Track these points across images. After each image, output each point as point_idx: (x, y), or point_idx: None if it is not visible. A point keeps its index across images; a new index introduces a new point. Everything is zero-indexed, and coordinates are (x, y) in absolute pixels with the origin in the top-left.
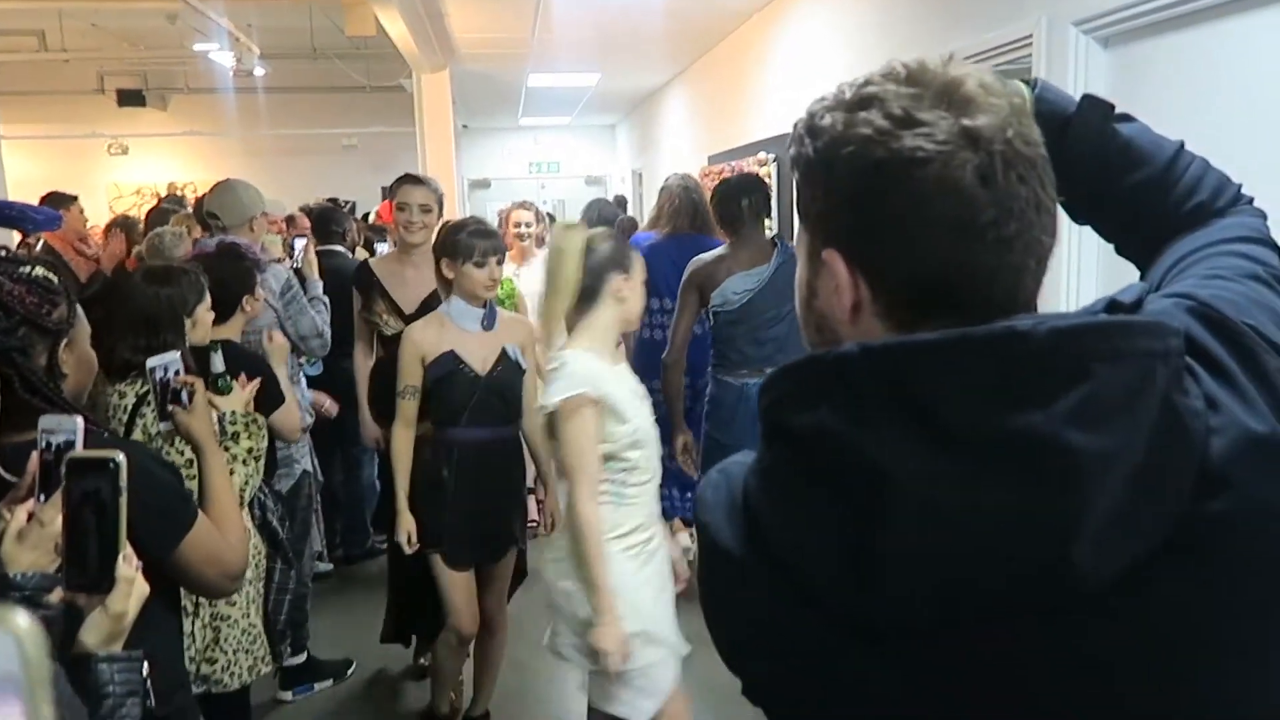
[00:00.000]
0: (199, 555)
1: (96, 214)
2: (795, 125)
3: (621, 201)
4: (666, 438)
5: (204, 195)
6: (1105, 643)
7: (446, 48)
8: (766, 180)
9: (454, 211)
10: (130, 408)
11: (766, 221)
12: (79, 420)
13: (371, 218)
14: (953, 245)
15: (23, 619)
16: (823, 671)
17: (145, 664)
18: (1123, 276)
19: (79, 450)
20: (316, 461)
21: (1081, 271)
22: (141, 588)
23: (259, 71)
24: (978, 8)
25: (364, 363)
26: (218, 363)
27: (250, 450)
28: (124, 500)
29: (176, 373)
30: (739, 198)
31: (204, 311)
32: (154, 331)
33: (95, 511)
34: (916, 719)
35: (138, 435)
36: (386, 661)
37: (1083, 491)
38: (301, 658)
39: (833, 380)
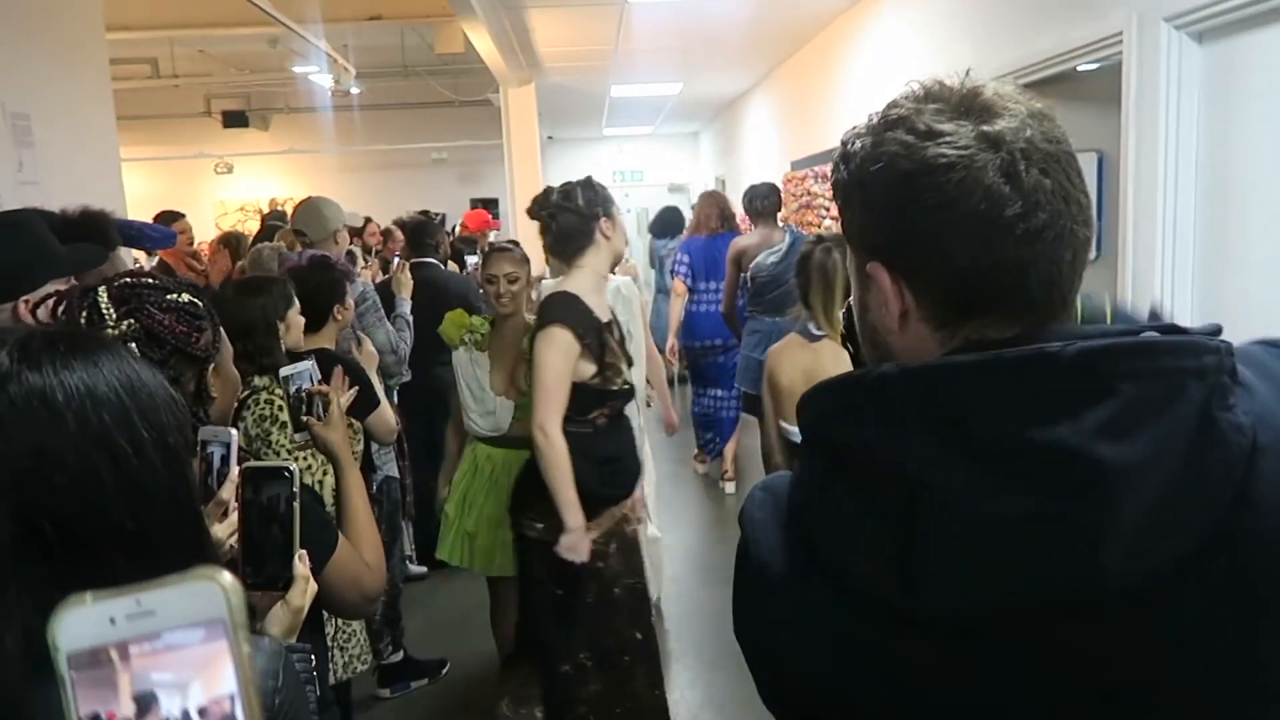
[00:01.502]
0: (341, 579)
1: (204, 230)
2: (834, 155)
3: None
4: (729, 382)
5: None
6: (1133, 642)
7: (532, 62)
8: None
9: None
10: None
11: (779, 215)
12: (233, 431)
13: (457, 229)
14: (983, 241)
15: (227, 576)
16: (873, 671)
17: (314, 657)
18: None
19: (233, 457)
20: (406, 464)
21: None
22: (314, 586)
23: (354, 90)
24: (1064, 5)
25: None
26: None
27: (354, 459)
28: (298, 505)
29: (311, 381)
30: (756, 199)
31: (295, 316)
32: (250, 338)
33: (271, 516)
34: (961, 711)
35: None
36: (480, 660)
37: (1112, 500)
38: (398, 656)
39: (874, 398)
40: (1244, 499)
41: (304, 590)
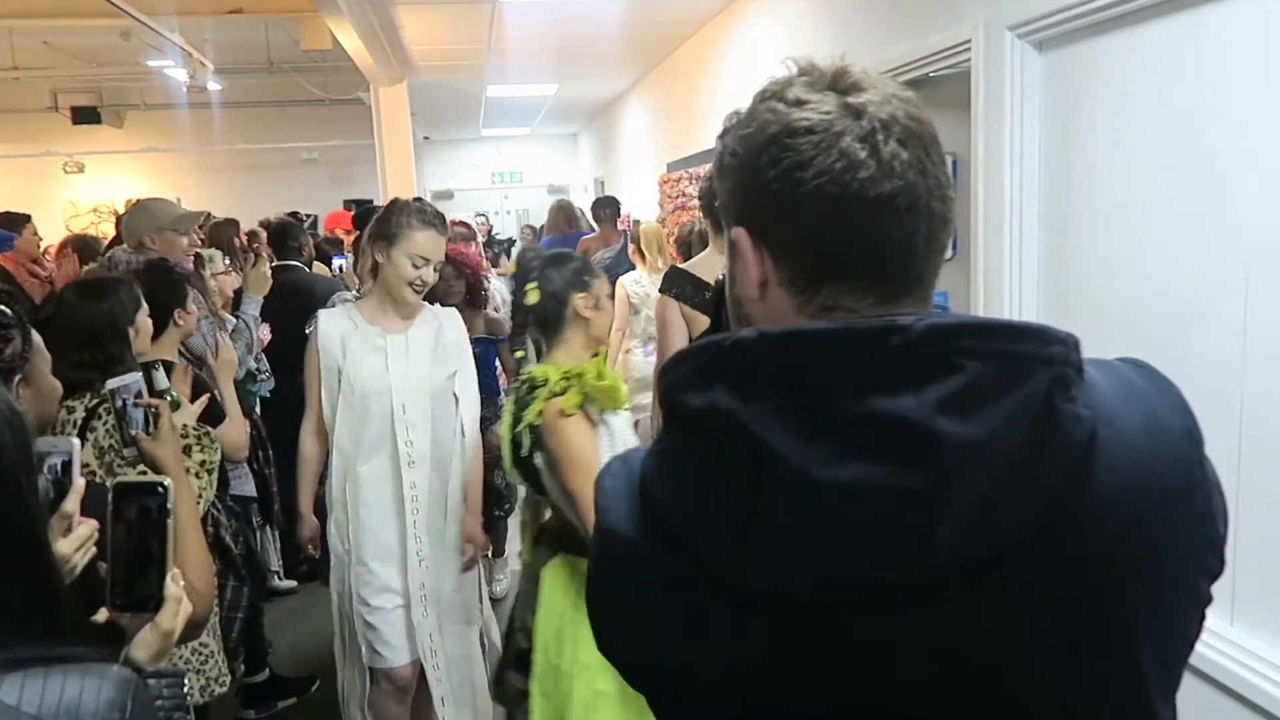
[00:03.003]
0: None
1: (53, 233)
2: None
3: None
4: None
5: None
6: (964, 624)
7: (403, 60)
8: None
9: None
10: (80, 422)
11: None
12: (75, 441)
13: (321, 230)
14: (835, 201)
15: None
16: (705, 639)
17: (186, 681)
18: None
19: (76, 467)
20: (272, 472)
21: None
22: (187, 606)
23: (214, 86)
24: (919, 14)
25: None
26: (161, 379)
27: (203, 463)
28: (172, 521)
29: (139, 394)
30: (600, 209)
31: (144, 319)
32: (98, 345)
33: (142, 533)
34: (788, 684)
35: (89, 451)
36: None
37: (949, 475)
38: (263, 675)
39: (728, 362)
40: (1080, 489)
41: (175, 612)
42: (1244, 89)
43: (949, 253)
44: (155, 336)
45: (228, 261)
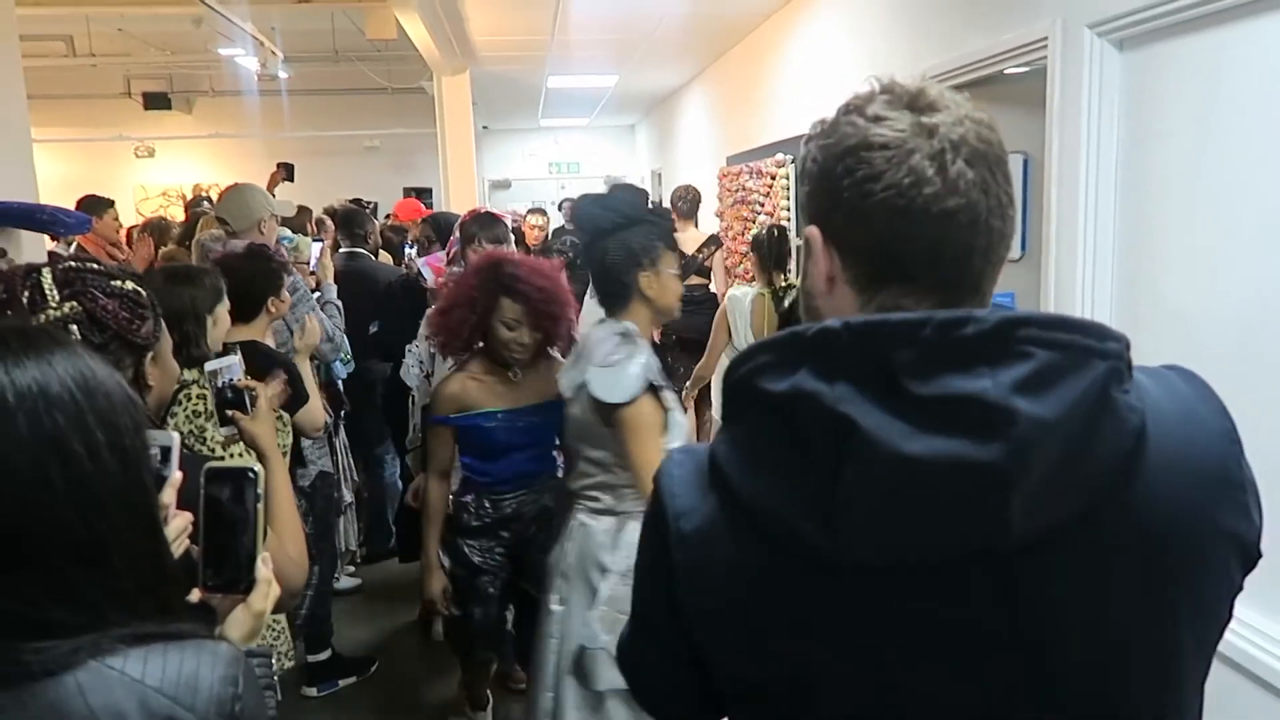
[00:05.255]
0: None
1: (124, 216)
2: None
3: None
4: None
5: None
6: (1030, 595)
7: (466, 50)
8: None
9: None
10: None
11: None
12: (175, 435)
13: (389, 218)
14: (900, 214)
15: None
16: (782, 611)
17: (274, 660)
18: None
19: (175, 459)
20: (347, 461)
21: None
22: (276, 589)
23: (282, 74)
24: (993, 9)
25: None
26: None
27: (277, 446)
28: (262, 506)
29: (235, 377)
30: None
31: (222, 311)
32: (178, 329)
33: (233, 517)
34: (865, 654)
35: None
36: (409, 657)
37: (1022, 450)
38: (326, 654)
39: (813, 349)
40: (1130, 474)
41: (266, 594)
42: None
43: (1016, 252)
44: (248, 320)
45: (318, 248)
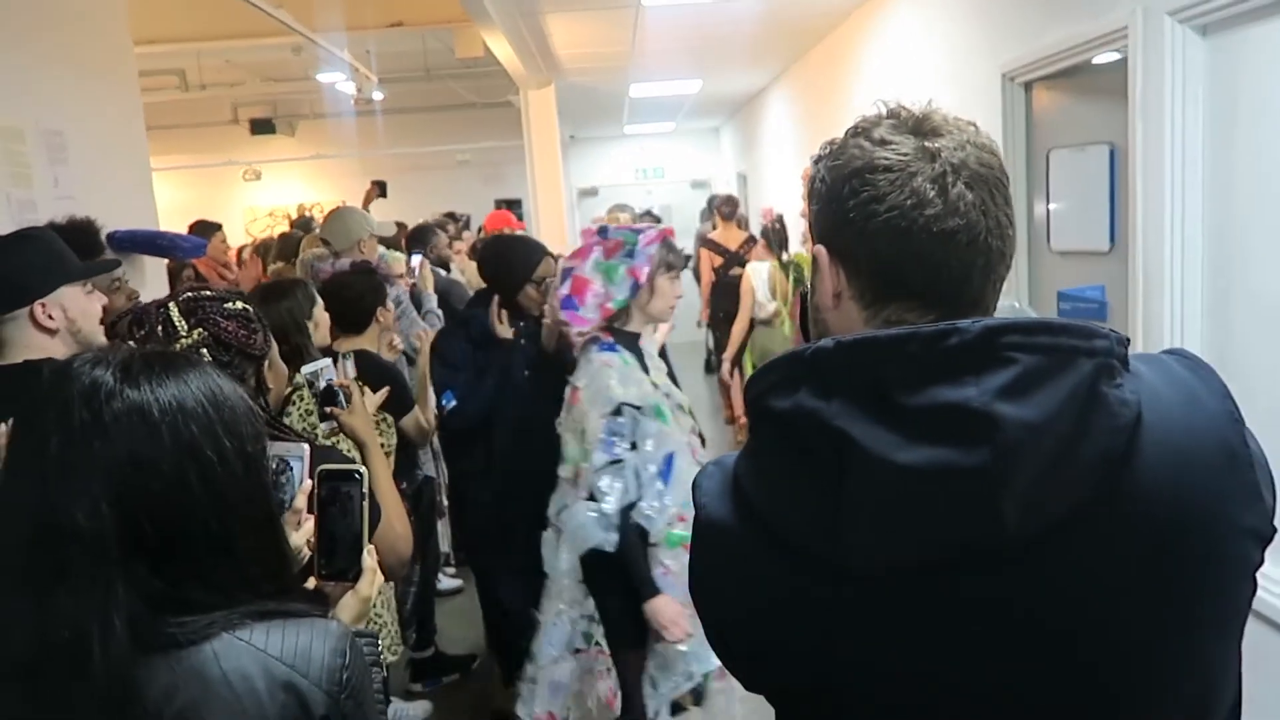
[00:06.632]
0: (382, 545)
1: (234, 237)
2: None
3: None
4: None
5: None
6: (1030, 591)
7: (550, 64)
8: None
9: (564, 220)
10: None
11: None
12: (305, 447)
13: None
14: (902, 234)
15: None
16: (802, 617)
17: (380, 642)
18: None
19: (305, 469)
20: (444, 467)
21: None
22: (380, 578)
23: (377, 95)
24: (1072, 0)
25: None
26: (350, 368)
27: (380, 445)
28: (367, 504)
29: (331, 378)
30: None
31: (320, 314)
32: (284, 340)
33: (343, 513)
34: (879, 655)
35: None
36: None
37: (1009, 453)
38: (429, 652)
39: (809, 369)
40: (1126, 462)
41: (371, 581)
42: None
43: (1105, 244)
44: (360, 331)
45: (417, 260)
